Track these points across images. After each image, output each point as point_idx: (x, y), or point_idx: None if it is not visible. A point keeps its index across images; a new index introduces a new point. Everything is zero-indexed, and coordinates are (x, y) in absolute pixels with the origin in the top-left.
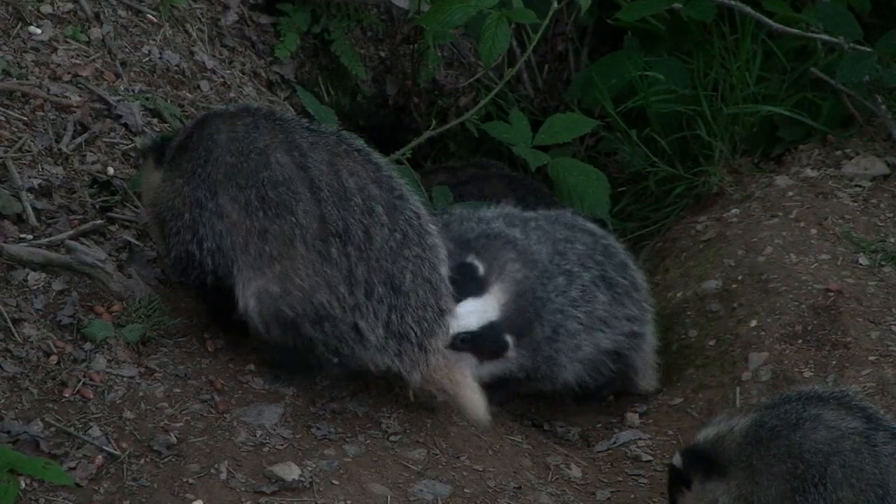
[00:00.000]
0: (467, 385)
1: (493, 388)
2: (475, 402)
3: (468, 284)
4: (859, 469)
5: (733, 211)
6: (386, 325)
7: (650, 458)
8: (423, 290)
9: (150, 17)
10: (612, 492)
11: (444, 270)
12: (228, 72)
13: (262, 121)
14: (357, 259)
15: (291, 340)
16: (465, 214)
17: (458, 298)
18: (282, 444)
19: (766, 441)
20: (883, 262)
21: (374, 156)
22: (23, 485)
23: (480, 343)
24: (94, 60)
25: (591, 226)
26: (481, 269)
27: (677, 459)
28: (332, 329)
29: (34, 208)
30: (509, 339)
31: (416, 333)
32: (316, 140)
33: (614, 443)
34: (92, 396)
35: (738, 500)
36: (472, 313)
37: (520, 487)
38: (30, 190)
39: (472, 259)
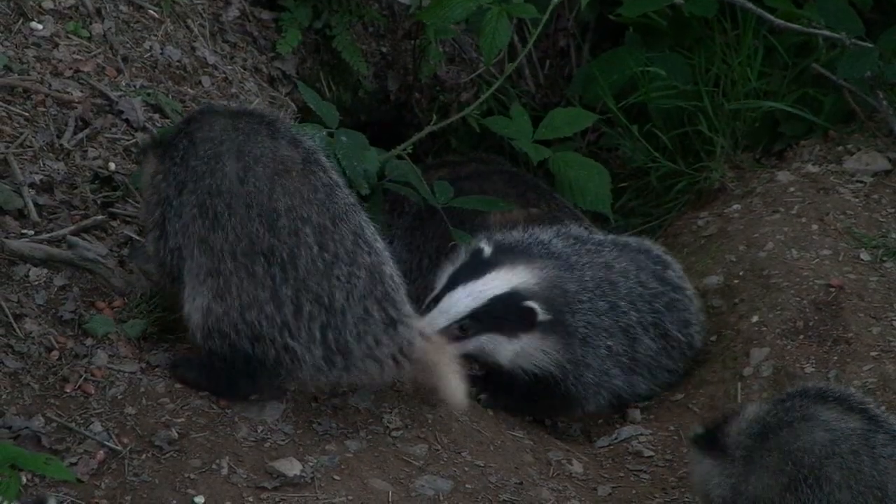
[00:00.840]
0: (449, 368)
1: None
2: (455, 385)
3: (469, 269)
4: (857, 471)
5: (735, 206)
6: (322, 344)
7: (651, 453)
8: (360, 307)
9: (152, 12)
10: (613, 487)
11: (389, 283)
12: (230, 67)
13: (241, 122)
14: (282, 279)
15: (229, 353)
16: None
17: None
18: (283, 440)
19: (764, 435)
20: (884, 258)
21: (317, 176)
22: (24, 480)
23: (495, 317)
24: (95, 56)
25: (669, 274)
26: (487, 251)
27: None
28: (264, 348)
29: (35, 204)
30: (535, 305)
31: (361, 347)
32: (266, 152)
33: (616, 438)
34: (93, 392)
35: (731, 487)
36: (461, 299)
37: (521, 483)
38: (31, 185)
39: (482, 243)
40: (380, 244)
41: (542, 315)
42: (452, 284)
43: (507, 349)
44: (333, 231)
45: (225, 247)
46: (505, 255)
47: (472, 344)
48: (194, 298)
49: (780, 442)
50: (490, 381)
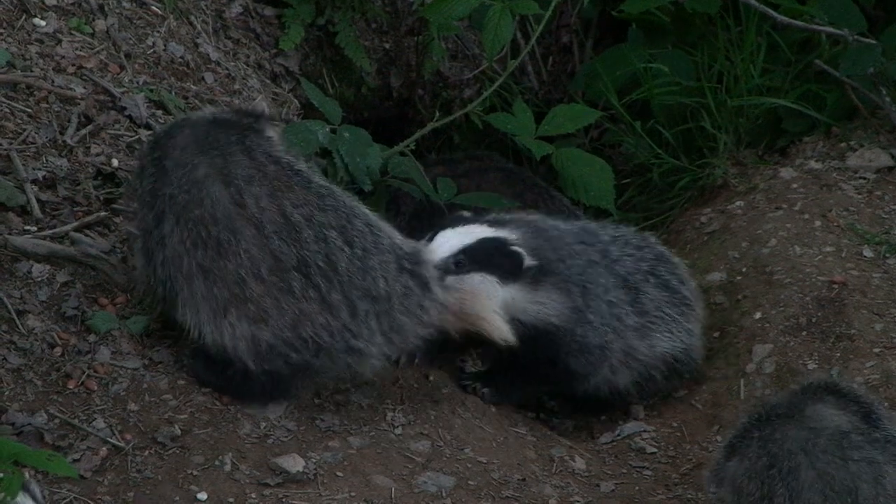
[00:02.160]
0: (488, 309)
1: (520, 383)
2: (498, 323)
3: (454, 224)
4: (828, 473)
5: (737, 203)
6: (380, 332)
7: (654, 450)
8: (399, 284)
9: (155, 8)
10: (616, 484)
11: (408, 251)
12: (233, 64)
13: (211, 140)
14: (327, 287)
15: (286, 370)
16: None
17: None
18: (286, 436)
19: (752, 425)
20: (887, 254)
21: (314, 184)
22: (27, 476)
23: (484, 257)
24: (98, 52)
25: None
26: (468, 214)
27: None
28: (328, 357)
29: (38, 200)
30: (520, 249)
31: (408, 324)
32: (253, 173)
33: (619, 435)
34: (96, 388)
35: (724, 481)
36: (451, 237)
37: (524, 479)
38: (34, 182)
39: (465, 214)
40: (384, 223)
41: (528, 261)
42: (442, 230)
43: (499, 293)
44: (352, 228)
45: (241, 272)
46: (491, 221)
47: (468, 281)
48: (226, 329)
49: (763, 434)
50: (492, 374)
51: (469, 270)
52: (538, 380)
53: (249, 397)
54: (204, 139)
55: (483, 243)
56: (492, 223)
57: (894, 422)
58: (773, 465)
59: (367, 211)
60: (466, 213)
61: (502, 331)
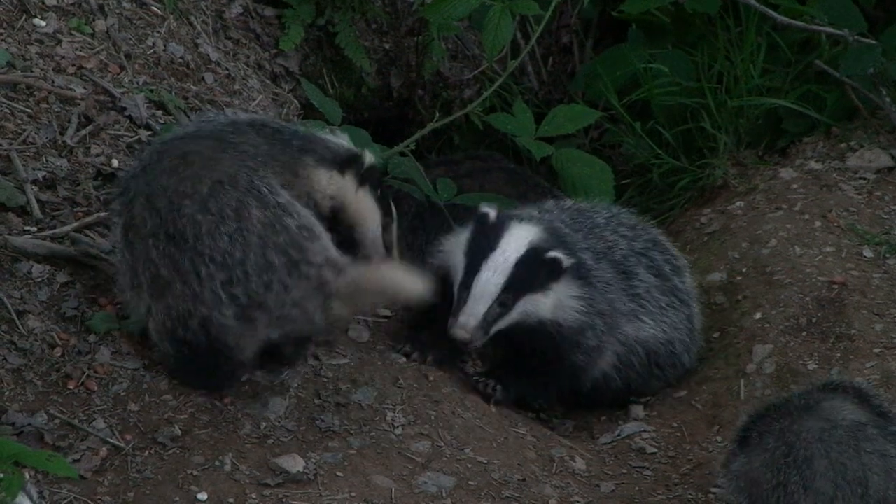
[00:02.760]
0: (391, 271)
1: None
2: (404, 279)
3: (482, 240)
4: (840, 463)
5: (738, 203)
6: (231, 301)
7: (655, 450)
8: (260, 258)
9: (155, 9)
10: (616, 484)
11: (293, 232)
12: (233, 64)
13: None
14: (178, 253)
15: (187, 351)
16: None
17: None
18: (286, 437)
19: (768, 417)
20: (887, 255)
21: (206, 154)
22: (27, 477)
23: (525, 280)
24: (98, 52)
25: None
26: (492, 215)
27: None
28: (192, 330)
29: (38, 200)
30: (557, 253)
31: (273, 296)
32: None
33: (619, 435)
34: (96, 388)
35: (738, 472)
36: (491, 277)
37: (524, 480)
38: (34, 182)
39: (483, 207)
40: (282, 199)
41: (566, 261)
42: (474, 264)
43: (545, 304)
44: (211, 196)
45: (122, 241)
46: (507, 216)
47: (516, 313)
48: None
49: (779, 425)
50: (497, 373)
51: (514, 303)
52: (545, 377)
53: (192, 379)
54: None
55: (520, 268)
56: (513, 216)
57: None
58: (789, 453)
59: (265, 183)
60: (488, 209)
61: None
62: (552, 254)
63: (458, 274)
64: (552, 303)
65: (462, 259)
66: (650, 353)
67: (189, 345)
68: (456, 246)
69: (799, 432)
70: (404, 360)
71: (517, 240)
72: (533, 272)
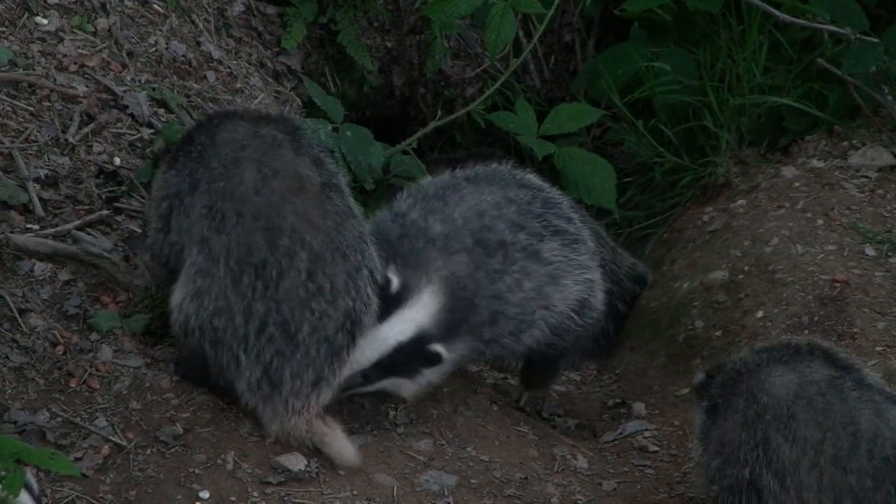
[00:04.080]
0: (333, 435)
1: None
2: (344, 448)
3: (384, 305)
4: (825, 409)
5: (740, 202)
6: (265, 368)
7: (657, 448)
8: (315, 349)
9: (157, 7)
10: (618, 482)
11: (355, 334)
12: (235, 62)
13: (265, 130)
14: (261, 294)
15: (199, 350)
16: (385, 215)
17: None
18: None
19: (734, 380)
20: (889, 253)
21: (334, 203)
22: (29, 475)
23: (399, 363)
24: (100, 51)
25: (531, 179)
26: (395, 284)
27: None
28: (219, 353)
29: (41, 199)
30: (439, 347)
31: (287, 388)
32: (286, 167)
33: (621, 433)
34: (98, 387)
35: (700, 433)
36: (367, 347)
37: (526, 478)
38: (36, 180)
39: (390, 272)
40: (370, 293)
41: (447, 355)
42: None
43: (409, 387)
44: (328, 264)
45: (222, 252)
46: (411, 279)
47: (374, 387)
48: (177, 299)
49: (745, 385)
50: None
51: (377, 380)
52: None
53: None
54: (261, 124)
55: (398, 352)
56: (415, 284)
57: (879, 382)
58: (765, 411)
59: (367, 267)
60: (393, 277)
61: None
62: (434, 347)
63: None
64: (418, 385)
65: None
66: (580, 310)
67: (198, 349)
68: None
69: (770, 389)
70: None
71: (407, 319)
72: (410, 359)
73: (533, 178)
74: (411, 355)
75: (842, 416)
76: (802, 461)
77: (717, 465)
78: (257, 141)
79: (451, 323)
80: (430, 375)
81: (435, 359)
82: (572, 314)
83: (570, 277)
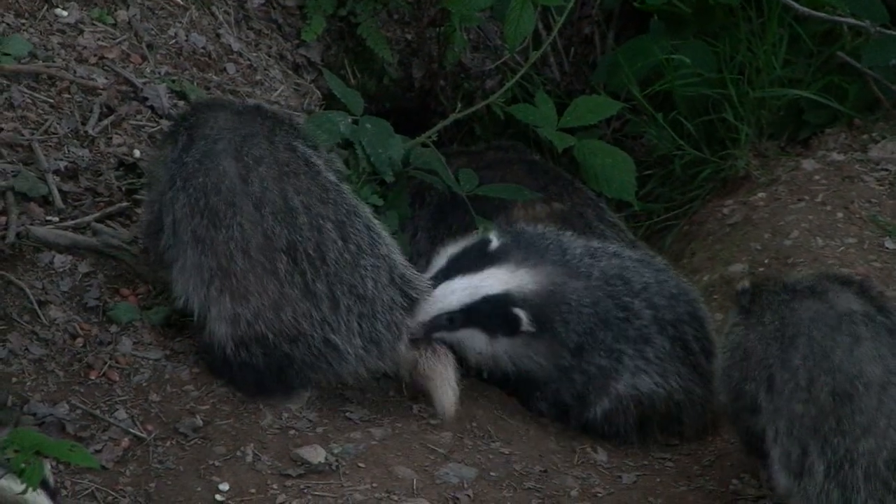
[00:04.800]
0: (444, 377)
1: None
2: (447, 394)
3: (471, 259)
4: (823, 348)
5: (760, 195)
6: (360, 334)
7: (677, 442)
8: (386, 294)
9: None
10: (637, 475)
11: (404, 270)
12: (255, 54)
13: (241, 121)
14: (313, 275)
15: (262, 360)
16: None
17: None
18: (308, 427)
19: (774, 297)
20: None
21: (323, 176)
22: (49, 467)
23: (483, 316)
24: (120, 43)
25: (686, 287)
26: (494, 244)
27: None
28: (306, 347)
29: (60, 191)
30: (522, 314)
31: (388, 338)
32: (265, 154)
33: None
34: (118, 379)
35: (738, 346)
36: (454, 292)
37: (546, 471)
38: (56, 172)
39: (492, 235)
40: (387, 234)
41: (525, 325)
42: (451, 271)
43: (481, 346)
44: (350, 225)
45: (232, 244)
46: (513, 251)
47: (456, 336)
48: (209, 307)
49: (779, 299)
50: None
51: (460, 327)
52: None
53: (236, 385)
54: (237, 120)
55: (484, 304)
56: (516, 256)
57: None
58: (780, 328)
59: (372, 216)
60: (494, 238)
61: (444, 404)
62: (516, 311)
63: (438, 264)
64: (492, 350)
65: (444, 260)
66: (644, 406)
67: (272, 355)
68: (446, 248)
69: (795, 310)
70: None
71: (499, 277)
72: (493, 315)
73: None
74: (495, 312)
75: (837, 363)
76: (796, 393)
77: (736, 376)
78: (231, 133)
79: (540, 309)
80: (503, 346)
81: (515, 322)
82: (626, 406)
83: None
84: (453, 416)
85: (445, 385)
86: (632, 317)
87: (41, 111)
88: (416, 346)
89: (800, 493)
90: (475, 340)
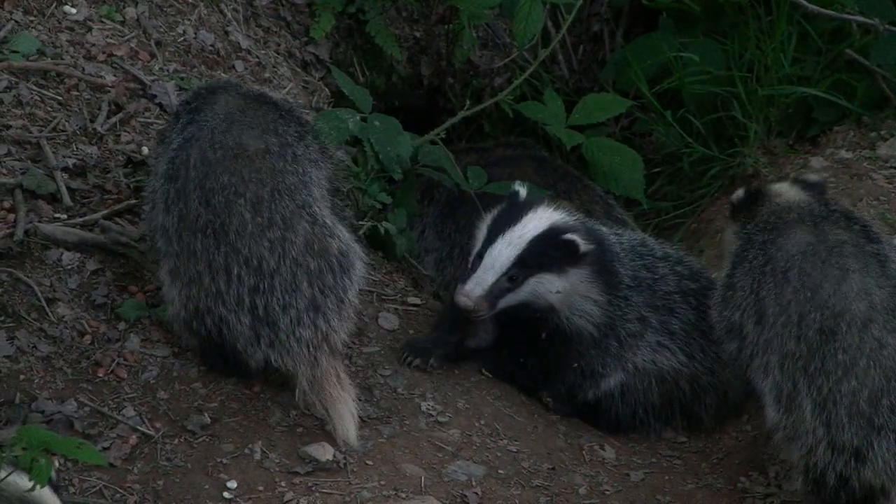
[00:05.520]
0: (345, 400)
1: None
2: (347, 420)
3: (506, 216)
4: (811, 278)
5: None
6: (251, 310)
7: (685, 439)
8: (289, 273)
9: None
10: (646, 473)
11: (330, 259)
12: (263, 52)
13: (240, 104)
14: (214, 248)
15: (201, 336)
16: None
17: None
18: (316, 425)
19: (768, 225)
20: None
21: (273, 162)
22: (57, 464)
23: (539, 257)
24: (128, 40)
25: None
26: (522, 193)
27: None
28: (208, 325)
29: (68, 188)
30: (574, 236)
31: (286, 321)
32: (229, 140)
33: None
34: (126, 376)
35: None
36: (501, 252)
37: (554, 468)
38: (64, 169)
39: (517, 186)
40: (330, 220)
41: (583, 245)
42: (492, 237)
43: (556, 286)
44: (271, 200)
45: (172, 230)
46: (543, 201)
47: (525, 290)
48: (162, 291)
49: (762, 238)
50: (496, 354)
51: (524, 280)
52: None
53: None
54: (239, 107)
55: (534, 245)
56: (539, 203)
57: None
58: (768, 262)
59: (322, 203)
60: (520, 188)
61: (347, 432)
62: (568, 236)
63: (476, 246)
64: (565, 286)
65: (483, 232)
66: (666, 384)
67: (205, 339)
68: (484, 222)
69: (784, 245)
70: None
71: (538, 219)
72: (548, 250)
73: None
74: (549, 247)
75: (834, 284)
76: (780, 320)
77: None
78: (221, 123)
79: (588, 233)
80: (576, 279)
81: (572, 246)
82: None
83: None
84: (356, 442)
85: (347, 413)
86: (659, 281)
87: (49, 108)
88: (335, 358)
89: (788, 429)
90: (546, 284)
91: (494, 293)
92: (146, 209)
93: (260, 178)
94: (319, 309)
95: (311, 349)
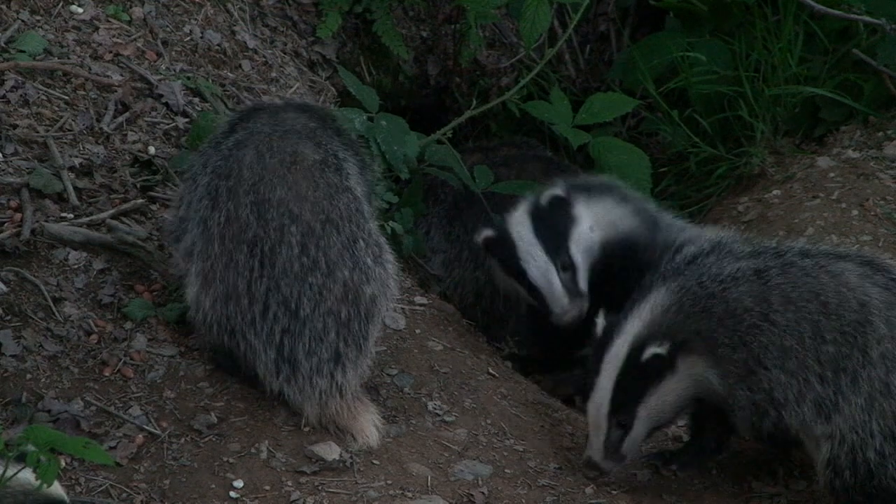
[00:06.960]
0: (369, 415)
1: None
2: (369, 430)
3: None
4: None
5: (775, 192)
6: (278, 348)
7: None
8: (321, 323)
9: None
10: (652, 473)
11: (361, 307)
12: (270, 51)
13: (284, 114)
14: (258, 274)
15: (223, 345)
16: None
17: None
18: None
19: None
20: None
21: (329, 176)
22: (63, 464)
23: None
24: (135, 39)
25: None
26: (599, 326)
27: None
28: (234, 342)
29: (75, 187)
30: (657, 349)
31: (307, 366)
32: (286, 147)
33: None
34: (132, 376)
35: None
36: (596, 415)
37: (560, 468)
38: (71, 169)
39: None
40: (370, 261)
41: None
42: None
43: (667, 397)
44: (321, 236)
45: (216, 229)
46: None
47: (641, 427)
48: (188, 286)
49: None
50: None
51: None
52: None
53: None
54: (278, 116)
55: (622, 380)
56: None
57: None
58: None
59: (368, 238)
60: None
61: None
62: (650, 351)
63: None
64: (680, 386)
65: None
66: None
67: (223, 345)
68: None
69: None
70: (441, 347)
71: (621, 341)
72: (636, 380)
73: None
74: (635, 377)
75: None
76: None
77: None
78: (270, 128)
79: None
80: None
81: (656, 362)
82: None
83: None
84: (377, 443)
85: (370, 422)
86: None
87: (56, 108)
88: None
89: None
90: (658, 403)
91: (612, 448)
92: (177, 199)
93: (315, 200)
94: (340, 360)
95: (322, 397)
